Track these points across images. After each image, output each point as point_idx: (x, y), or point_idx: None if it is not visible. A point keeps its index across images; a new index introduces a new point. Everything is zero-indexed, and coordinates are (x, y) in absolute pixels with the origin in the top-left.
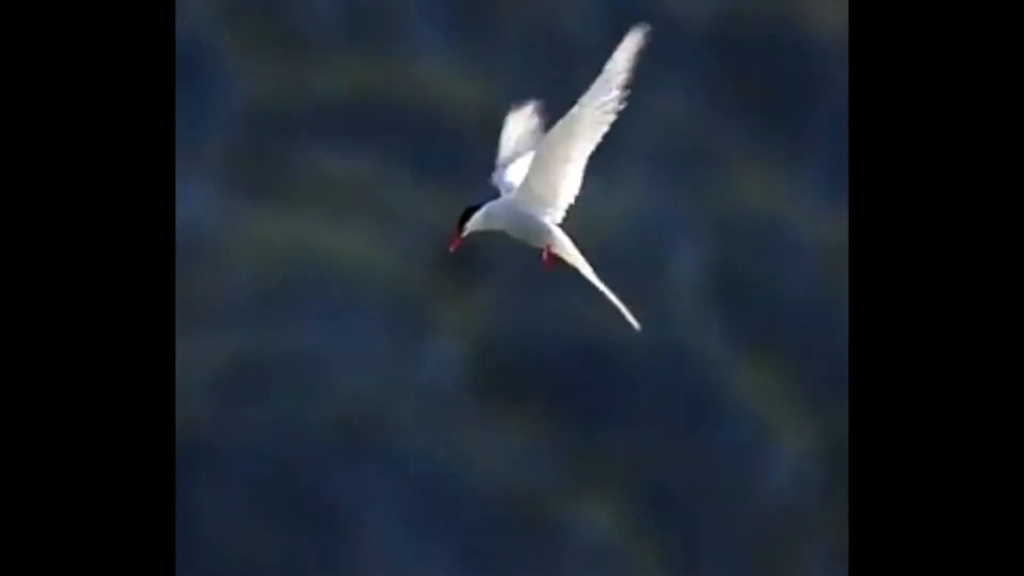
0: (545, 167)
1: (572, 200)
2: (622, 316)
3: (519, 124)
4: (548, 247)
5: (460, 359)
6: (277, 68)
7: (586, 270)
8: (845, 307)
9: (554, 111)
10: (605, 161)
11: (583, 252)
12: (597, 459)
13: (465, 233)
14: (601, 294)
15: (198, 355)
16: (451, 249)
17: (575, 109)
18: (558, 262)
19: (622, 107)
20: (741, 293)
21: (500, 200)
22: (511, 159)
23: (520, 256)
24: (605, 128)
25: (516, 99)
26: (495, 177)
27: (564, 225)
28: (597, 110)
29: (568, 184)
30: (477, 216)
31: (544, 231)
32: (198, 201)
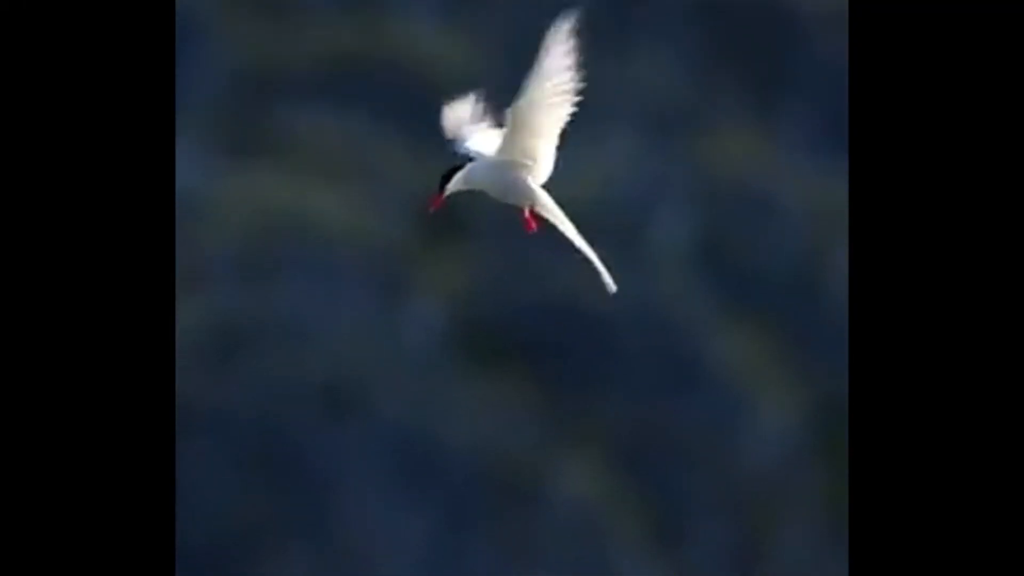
0: (516, 140)
1: (551, 165)
2: (600, 277)
3: (463, 109)
4: (530, 207)
5: (442, 322)
6: (264, 30)
7: (568, 229)
8: (831, 273)
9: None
10: (590, 126)
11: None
12: (580, 422)
13: (446, 193)
14: (581, 255)
15: (181, 317)
16: (431, 209)
17: (514, 104)
18: (540, 222)
19: (578, 87)
20: (726, 258)
21: (482, 160)
22: (466, 132)
23: (504, 219)
24: (566, 108)
25: (505, 61)
26: (457, 146)
27: (547, 189)
28: (547, 94)
29: (544, 152)
30: (458, 176)
31: (526, 190)
32: (183, 163)
